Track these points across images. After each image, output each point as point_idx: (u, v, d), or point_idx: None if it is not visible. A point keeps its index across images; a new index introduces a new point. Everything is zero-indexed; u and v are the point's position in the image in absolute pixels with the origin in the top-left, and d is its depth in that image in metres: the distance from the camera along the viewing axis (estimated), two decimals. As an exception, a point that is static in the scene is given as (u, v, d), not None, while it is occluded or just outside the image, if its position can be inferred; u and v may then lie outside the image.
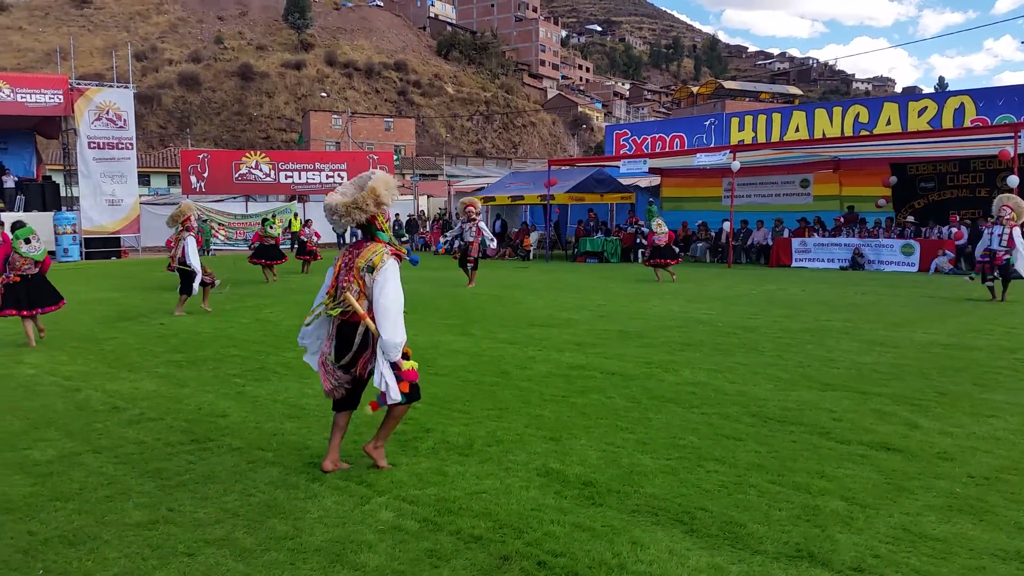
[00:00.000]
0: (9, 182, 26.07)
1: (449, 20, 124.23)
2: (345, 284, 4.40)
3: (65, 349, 8.87)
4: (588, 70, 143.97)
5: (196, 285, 11.68)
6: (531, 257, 25.59)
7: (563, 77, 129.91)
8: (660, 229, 16.67)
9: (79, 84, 26.63)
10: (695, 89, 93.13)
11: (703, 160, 21.59)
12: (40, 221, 24.83)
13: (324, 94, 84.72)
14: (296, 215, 31.58)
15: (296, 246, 23.61)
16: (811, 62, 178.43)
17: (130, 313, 12.06)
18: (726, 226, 22.52)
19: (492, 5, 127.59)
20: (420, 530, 3.72)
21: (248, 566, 3.36)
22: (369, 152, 39.88)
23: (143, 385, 6.99)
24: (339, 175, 32.85)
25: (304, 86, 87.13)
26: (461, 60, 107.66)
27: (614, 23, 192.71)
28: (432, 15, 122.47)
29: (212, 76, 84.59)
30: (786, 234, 22.16)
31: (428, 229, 32.17)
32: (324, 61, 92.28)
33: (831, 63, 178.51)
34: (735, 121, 26.45)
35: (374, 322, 4.31)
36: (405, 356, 4.44)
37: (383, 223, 4.49)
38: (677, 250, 16.71)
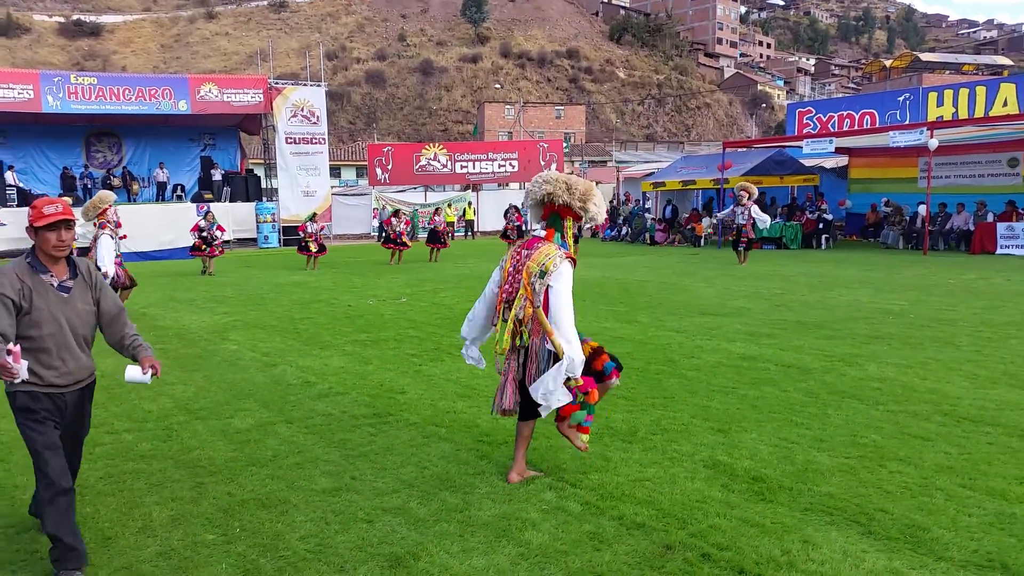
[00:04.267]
0: (217, 175, 28.75)
1: (622, 4, 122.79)
2: (509, 296, 4.11)
3: (265, 327, 9.71)
4: (769, 46, 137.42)
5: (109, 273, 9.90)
6: (702, 244, 24.90)
7: (741, 55, 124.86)
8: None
9: (277, 84, 28.82)
10: (888, 63, 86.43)
11: (897, 139, 20.01)
12: (243, 211, 27.33)
13: (498, 85, 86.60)
14: (470, 204, 32.62)
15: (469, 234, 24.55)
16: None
17: (321, 295, 12.97)
18: (922, 210, 20.80)
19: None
20: (582, 512, 3.76)
21: (421, 535, 3.55)
22: (539, 141, 40.37)
23: (332, 362, 7.53)
24: (510, 164, 33.48)
25: (480, 78, 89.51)
26: (634, 43, 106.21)
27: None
28: (605, 0, 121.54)
29: (396, 72, 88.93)
30: (990, 218, 20.14)
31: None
32: (499, 53, 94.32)
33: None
34: (933, 96, 24.27)
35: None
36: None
37: (570, 226, 4.17)
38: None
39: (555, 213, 4.13)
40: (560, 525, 3.62)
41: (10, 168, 25.75)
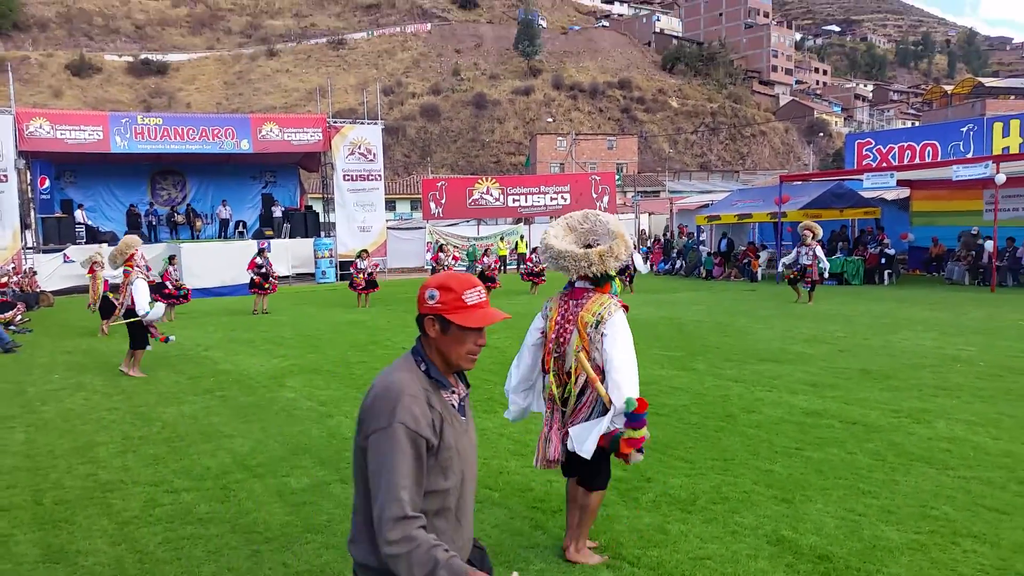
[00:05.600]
0: (278, 212, 29.46)
1: (675, 34, 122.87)
2: (560, 347, 3.96)
3: (322, 373, 9.81)
4: (825, 73, 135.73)
5: (158, 312, 10.10)
6: (759, 278, 24.46)
7: (797, 82, 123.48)
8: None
9: (335, 122, 29.49)
10: (949, 89, 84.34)
11: (960, 173, 19.45)
12: (302, 247, 27.88)
13: (550, 119, 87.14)
14: (522, 237, 32.74)
15: (521, 267, 24.63)
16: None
17: (377, 336, 13.08)
18: (988, 245, 20.11)
19: (720, 14, 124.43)
20: (641, 596, 3.66)
21: (475, 617, 3.48)
22: (591, 173, 40.36)
23: (386, 413, 7.53)
24: (562, 197, 33.56)
25: (532, 110, 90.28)
26: (687, 73, 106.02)
27: (854, 22, 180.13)
28: (657, 30, 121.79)
29: (450, 106, 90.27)
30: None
31: (649, 249, 31.86)
32: (551, 85, 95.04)
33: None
34: (998, 126, 23.59)
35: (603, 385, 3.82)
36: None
37: (615, 275, 4.07)
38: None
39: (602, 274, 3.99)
40: (618, 610, 3.52)
41: (80, 207, 26.82)
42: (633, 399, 3.65)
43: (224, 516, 4.84)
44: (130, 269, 10.08)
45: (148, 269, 10.51)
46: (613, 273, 4.00)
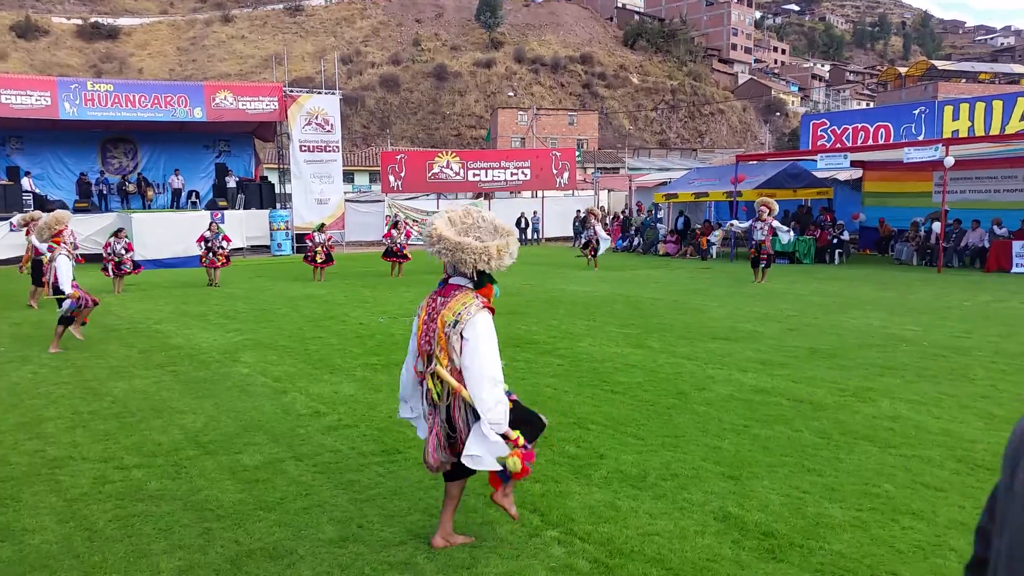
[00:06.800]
0: (231, 182, 28.91)
1: (636, 9, 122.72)
2: (426, 347, 3.84)
3: (276, 348, 9.72)
4: (784, 52, 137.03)
5: (65, 308, 9.67)
6: (713, 256, 24.78)
7: (756, 61, 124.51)
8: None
9: (292, 91, 28.96)
10: (903, 70, 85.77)
11: (912, 155, 19.87)
12: (257, 218, 27.45)
13: (511, 93, 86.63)
14: (483, 212, 32.62)
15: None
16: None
17: (333, 311, 12.99)
18: (936, 226, 20.63)
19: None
20: (591, 572, 3.73)
21: (427, 594, 3.53)
22: (552, 149, 40.30)
23: (342, 388, 7.53)
24: (522, 172, 33.52)
25: (493, 83, 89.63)
26: (648, 49, 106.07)
27: (813, 2, 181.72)
28: (620, 5, 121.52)
29: (410, 77, 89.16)
30: (1006, 235, 19.96)
31: (608, 225, 31.99)
32: (513, 58, 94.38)
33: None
34: (948, 109, 24.09)
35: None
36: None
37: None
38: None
39: (483, 272, 3.90)
40: (568, 586, 3.59)
41: (27, 174, 26.02)
42: (518, 463, 3.63)
43: (175, 493, 4.80)
44: (56, 246, 9.76)
45: (75, 247, 10.28)
46: (503, 270, 3.88)
